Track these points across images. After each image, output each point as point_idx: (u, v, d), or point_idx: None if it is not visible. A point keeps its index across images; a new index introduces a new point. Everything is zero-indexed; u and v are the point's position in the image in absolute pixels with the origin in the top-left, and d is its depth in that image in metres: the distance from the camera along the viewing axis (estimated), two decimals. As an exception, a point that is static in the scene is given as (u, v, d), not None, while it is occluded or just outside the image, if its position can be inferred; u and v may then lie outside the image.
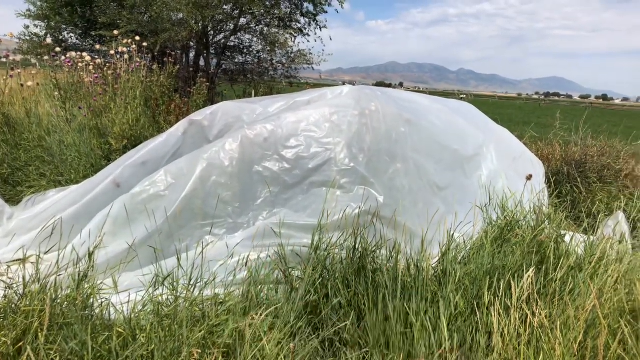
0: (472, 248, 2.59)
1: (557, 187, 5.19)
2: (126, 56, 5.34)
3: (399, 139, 3.44)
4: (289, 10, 13.83)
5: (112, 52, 5.35)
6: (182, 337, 1.69)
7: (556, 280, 2.17)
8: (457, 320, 2.23)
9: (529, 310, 1.68)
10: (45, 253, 2.90)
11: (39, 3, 12.48)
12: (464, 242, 2.64)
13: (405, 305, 2.20)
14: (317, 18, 14.18)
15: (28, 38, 12.75)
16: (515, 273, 2.21)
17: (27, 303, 1.86)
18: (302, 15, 14.00)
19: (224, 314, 2.21)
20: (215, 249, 2.78)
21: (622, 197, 4.58)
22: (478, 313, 2.07)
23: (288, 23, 13.92)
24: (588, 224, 3.47)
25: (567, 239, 3.11)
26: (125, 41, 5.51)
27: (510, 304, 1.78)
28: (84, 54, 5.30)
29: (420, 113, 3.81)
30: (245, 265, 2.44)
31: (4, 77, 5.37)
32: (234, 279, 2.44)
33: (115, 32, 5.87)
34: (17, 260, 3.01)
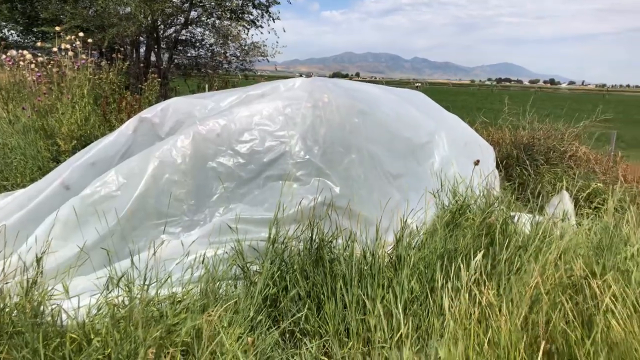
0: (425, 233, 2.67)
1: (507, 170, 5.39)
2: (70, 53, 5.14)
3: (352, 129, 3.48)
4: (240, 2, 13.63)
5: (55, 49, 5.15)
6: (137, 338, 1.67)
7: (505, 261, 2.27)
8: (413, 304, 2.30)
9: (477, 290, 1.75)
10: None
11: (-24, 0, 11.84)
12: (416, 227, 2.71)
13: (362, 292, 2.25)
14: (270, 9, 14.06)
15: (-35, 36, 12.12)
16: (466, 255, 2.29)
17: (-28, 314, 1.79)
18: (254, 7, 13.85)
19: (182, 312, 2.19)
20: (170, 248, 2.74)
21: (565, 177, 4.80)
22: (432, 296, 2.14)
23: (240, 15, 13.73)
24: (535, 204, 3.61)
25: (520, 219, 3.25)
26: (68, 37, 5.30)
27: (460, 286, 1.85)
28: (25, 51, 5.08)
29: (373, 103, 3.86)
30: (202, 263, 2.42)
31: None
32: (190, 277, 2.41)
33: (57, 28, 5.64)
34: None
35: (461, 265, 1.85)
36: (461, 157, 4.15)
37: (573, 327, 1.60)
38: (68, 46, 5.10)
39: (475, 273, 1.87)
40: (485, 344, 1.55)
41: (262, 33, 14.15)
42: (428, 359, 1.62)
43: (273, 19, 14.12)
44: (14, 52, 5.43)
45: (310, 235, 2.49)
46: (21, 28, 12.35)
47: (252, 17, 14.01)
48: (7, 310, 1.86)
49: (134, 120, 3.43)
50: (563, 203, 4.14)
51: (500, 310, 1.63)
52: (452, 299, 1.77)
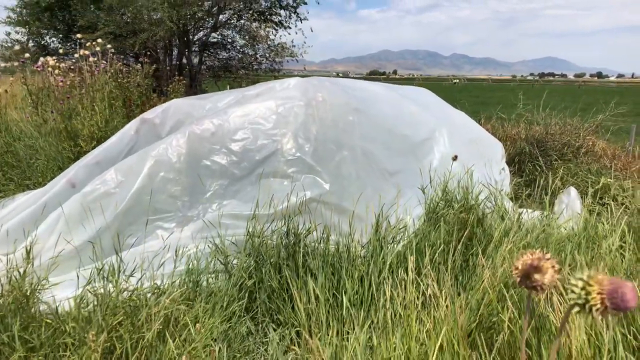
0: (403, 228, 2.70)
1: (520, 167, 5.31)
2: (91, 59, 5.41)
3: (346, 127, 3.53)
4: (268, 3, 13.88)
5: (77, 55, 5.44)
6: (101, 323, 1.80)
7: (476, 255, 2.29)
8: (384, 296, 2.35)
9: (422, 283, 1.79)
10: (7, 254, 3.01)
11: (18, 10, 12.51)
12: (393, 222, 2.75)
13: (333, 285, 2.32)
14: (298, 10, 14.23)
15: (10, 45, 12.80)
16: (435, 250, 2.32)
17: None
18: (282, 8, 14.04)
19: (166, 302, 2.32)
20: (162, 242, 2.88)
21: (579, 172, 4.69)
22: (399, 290, 2.18)
23: (268, 17, 13.96)
24: (546, 201, 3.57)
25: (524, 216, 3.24)
26: (88, 44, 5.59)
27: (415, 278, 1.89)
28: (48, 58, 5.38)
29: (370, 101, 3.90)
30: (176, 256, 2.54)
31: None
32: (174, 271, 2.54)
33: (79, 35, 5.93)
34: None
35: (410, 259, 1.89)
36: (464, 154, 4.13)
37: (515, 320, 1.62)
38: (87, 52, 5.38)
39: (424, 267, 1.91)
40: (424, 333, 1.59)
41: (289, 34, 14.34)
42: (372, 349, 1.67)
43: (301, 20, 14.30)
44: (42, 59, 5.75)
45: (285, 230, 2.57)
46: (61, 35, 12.96)
47: (280, 18, 14.23)
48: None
49: (136, 121, 3.61)
50: (570, 199, 4.07)
51: (442, 302, 1.66)
52: (400, 290, 1.82)
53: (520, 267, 0.59)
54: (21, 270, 2.24)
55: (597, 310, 0.52)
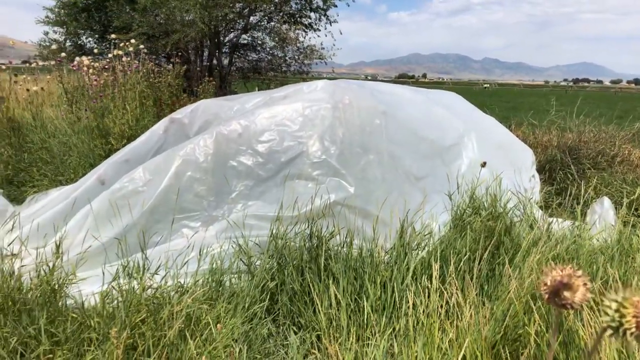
0: (429, 234, 2.65)
1: (551, 175, 5.17)
2: (124, 59, 5.53)
3: (373, 130, 3.50)
4: (299, 6, 13.96)
5: (110, 55, 5.57)
6: (125, 319, 1.82)
7: (503, 264, 2.23)
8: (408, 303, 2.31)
9: (447, 292, 1.75)
10: (37, 248, 3.09)
11: (57, 10, 12.90)
12: (415, 228, 2.71)
13: (354, 289, 2.29)
14: (328, 13, 14.24)
15: (48, 44, 13.20)
16: (463, 257, 2.27)
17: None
18: (312, 10, 14.07)
19: (188, 301, 2.34)
20: (187, 242, 2.91)
21: (613, 182, 4.54)
22: (423, 297, 2.15)
23: (298, 19, 14.02)
24: (577, 210, 3.47)
25: (554, 226, 3.15)
26: (122, 44, 5.71)
27: (439, 286, 1.85)
28: (84, 57, 5.52)
29: (398, 105, 3.86)
30: (200, 256, 2.56)
31: (15, 82, 5.64)
32: (197, 270, 2.56)
33: (113, 35, 6.08)
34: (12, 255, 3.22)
35: (434, 266, 1.85)
36: (493, 160, 4.05)
37: (542, 334, 1.57)
38: (121, 52, 5.50)
39: (450, 275, 1.87)
40: (447, 343, 1.55)
41: (318, 36, 14.35)
42: (392, 356, 1.64)
43: (330, 22, 14.30)
44: (78, 58, 5.90)
45: (309, 232, 2.56)
46: (97, 36, 13.29)
47: (310, 21, 14.28)
48: (23, 290, 2.08)
49: (165, 121, 3.67)
50: (603, 210, 3.94)
51: (467, 311, 1.62)
52: (424, 298, 1.78)
53: (549, 284, 0.56)
54: (50, 265, 2.29)
55: (631, 334, 0.50)
